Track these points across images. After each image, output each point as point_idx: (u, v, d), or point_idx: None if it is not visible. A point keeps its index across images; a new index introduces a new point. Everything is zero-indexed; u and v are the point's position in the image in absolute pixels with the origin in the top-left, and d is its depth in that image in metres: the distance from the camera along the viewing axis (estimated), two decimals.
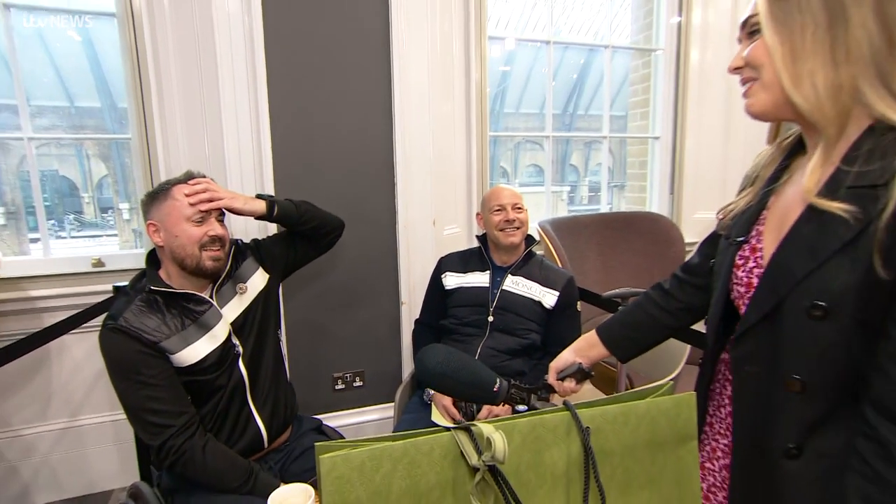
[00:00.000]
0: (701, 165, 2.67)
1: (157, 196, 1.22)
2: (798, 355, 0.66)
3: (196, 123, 1.82)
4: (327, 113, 1.95)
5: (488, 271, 1.72)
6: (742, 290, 0.76)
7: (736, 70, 0.73)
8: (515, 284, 1.67)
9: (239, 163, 1.83)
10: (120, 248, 2.29)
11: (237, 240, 1.43)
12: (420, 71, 2.03)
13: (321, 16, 1.89)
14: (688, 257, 2.57)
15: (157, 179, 1.87)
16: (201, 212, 1.21)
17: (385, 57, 1.98)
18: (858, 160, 0.61)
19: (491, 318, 1.65)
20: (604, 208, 2.85)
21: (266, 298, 1.38)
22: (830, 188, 0.63)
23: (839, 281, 0.61)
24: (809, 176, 0.66)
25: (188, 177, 1.26)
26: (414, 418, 1.60)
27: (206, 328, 1.22)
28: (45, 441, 1.93)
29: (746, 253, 0.76)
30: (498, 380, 0.98)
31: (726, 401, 0.83)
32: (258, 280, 1.38)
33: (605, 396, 0.65)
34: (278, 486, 1.19)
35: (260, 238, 1.52)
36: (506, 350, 1.62)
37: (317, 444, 0.54)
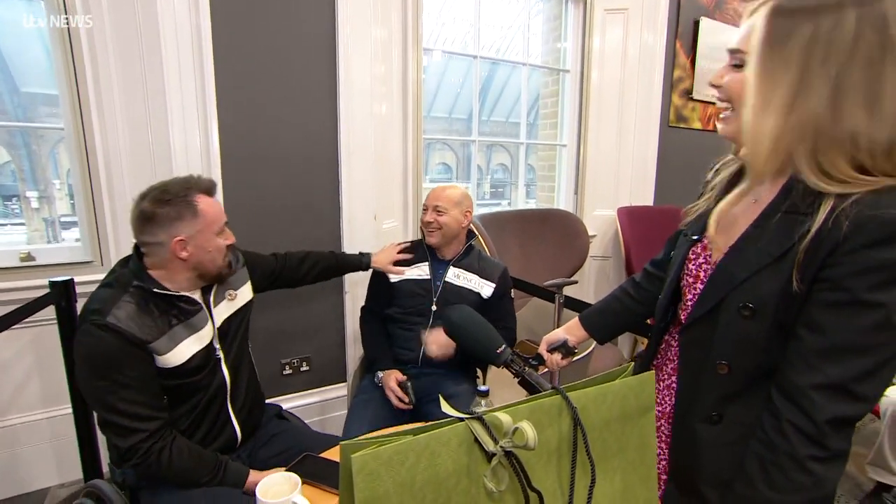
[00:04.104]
0: (599, 170, 2.83)
1: (181, 212, 1.05)
2: (728, 344, 0.73)
3: (138, 115, 1.61)
4: (276, 110, 1.82)
5: (427, 262, 1.67)
6: (690, 279, 0.81)
7: (714, 86, 0.74)
8: (457, 277, 1.65)
9: (186, 156, 1.65)
10: (28, 238, 1.97)
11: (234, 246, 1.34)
12: (363, 74, 1.95)
13: (270, 18, 1.75)
14: (592, 248, 2.75)
15: (95, 171, 1.63)
16: (225, 223, 1.13)
17: (331, 59, 1.88)
18: (791, 193, 0.67)
19: (434, 308, 1.62)
20: (521, 205, 2.94)
21: (249, 309, 1.30)
22: (770, 211, 0.69)
23: (766, 288, 0.67)
24: (725, 205, 0.75)
25: (191, 181, 1.11)
26: (367, 399, 1.54)
27: (193, 329, 1.09)
28: None
29: (699, 250, 0.81)
30: (504, 346, 0.99)
31: (665, 374, 0.88)
32: (246, 291, 1.29)
33: (582, 379, 0.66)
34: (247, 474, 1.11)
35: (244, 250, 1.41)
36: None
37: (342, 443, 0.50)
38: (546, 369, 1.13)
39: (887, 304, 0.58)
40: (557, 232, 2.50)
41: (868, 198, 0.59)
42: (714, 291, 0.73)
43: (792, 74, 0.62)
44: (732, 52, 0.70)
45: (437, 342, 1.44)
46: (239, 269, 1.29)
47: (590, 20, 2.66)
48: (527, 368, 0.98)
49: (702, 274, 0.79)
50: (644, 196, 2.87)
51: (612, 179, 2.84)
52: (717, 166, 0.86)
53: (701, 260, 0.80)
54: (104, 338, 0.96)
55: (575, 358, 1.60)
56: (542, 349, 1.09)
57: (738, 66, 0.69)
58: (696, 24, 2.89)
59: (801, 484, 0.63)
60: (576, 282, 1.54)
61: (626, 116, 2.77)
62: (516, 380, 0.96)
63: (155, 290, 1.04)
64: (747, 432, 0.71)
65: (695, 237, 0.82)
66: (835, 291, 0.61)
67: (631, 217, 2.72)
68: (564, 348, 1.08)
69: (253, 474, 1.10)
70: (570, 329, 1.09)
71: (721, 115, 0.74)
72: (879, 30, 0.58)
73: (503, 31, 2.88)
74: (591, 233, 2.74)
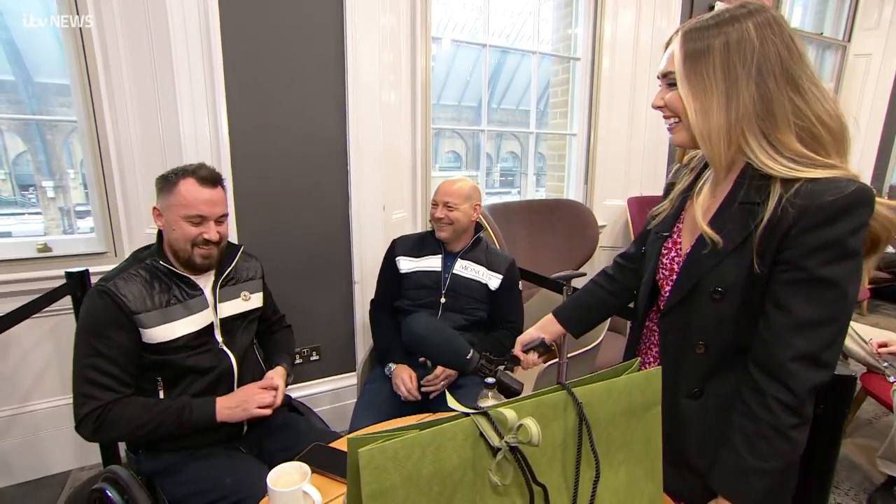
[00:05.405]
0: (609, 159, 2.80)
1: (166, 184, 1.12)
2: (703, 326, 0.80)
3: (149, 106, 1.62)
4: (284, 99, 1.82)
5: (440, 255, 1.68)
6: (666, 272, 0.88)
7: (657, 108, 0.82)
8: (465, 269, 1.65)
9: (196, 147, 1.66)
10: (45, 227, 2.01)
11: (255, 258, 1.40)
12: (371, 62, 1.94)
13: (278, 6, 1.74)
14: (601, 239, 2.73)
15: (107, 164, 1.66)
16: (200, 215, 1.11)
17: (339, 46, 1.87)
18: (744, 186, 0.75)
19: (443, 300, 1.63)
20: (531, 194, 2.92)
21: (257, 312, 1.36)
22: (727, 203, 0.77)
23: (732, 272, 0.75)
24: (700, 201, 0.81)
25: (193, 166, 1.14)
26: (377, 388, 1.57)
27: (189, 311, 1.14)
28: None
29: (669, 245, 0.88)
30: (472, 351, 1.00)
31: (651, 358, 0.94)
32: (256, 299, 1.35)
33: (588, 374, 0.67)
34: (214, 401, 1.14)
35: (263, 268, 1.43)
36: (457, 327, 1.60)
37: (349, 437, 0.52)
38: (557, 367, 1.13)
39: (839, 278, 0.66)
40: (566, 222, 2.49)
41: (807, 186, 0.67)
42: (687, 280, 0.81)
43: (720, 80, 0.72)
44: (664, 75, 0.80)
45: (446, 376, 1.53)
46: (256, 278, 1.35)
47: (601, 6, 2.61)
48: (500, 371, 0.98)
49: (675, 266, 0.86)
50: (655, 186, 2.84)
51: (622, 169, 2.81)
52: (675, 169, 0.95)
53: (673, 254, 0.87)
54: (97, 302, 1.05)
55: (581, 350, 1.60)
56: (517, 350, 1.10)
57: (673, 84, 0.78)
58: (712, 9, 2.82)
59: (783, 450, 0.71)
60: (584, 274, 1.54)
61: (638, 105, 2.73)
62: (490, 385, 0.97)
63: (161, 262, 1.12)
64: (724, 402, 0.79)
65: (665, 234, 0.89)
66: (793, 271, 0.69)
67: (641, 207, 2.69)
68: (542, 346, 1.08)
69: (220, 400, 1.14)
70: (544, 326, 1.10)
71: (669, 129, 0.82)
72: (776, 31, 0.70)
73: (513, 17, 2.83)
74: (600, 223, 2.72)
